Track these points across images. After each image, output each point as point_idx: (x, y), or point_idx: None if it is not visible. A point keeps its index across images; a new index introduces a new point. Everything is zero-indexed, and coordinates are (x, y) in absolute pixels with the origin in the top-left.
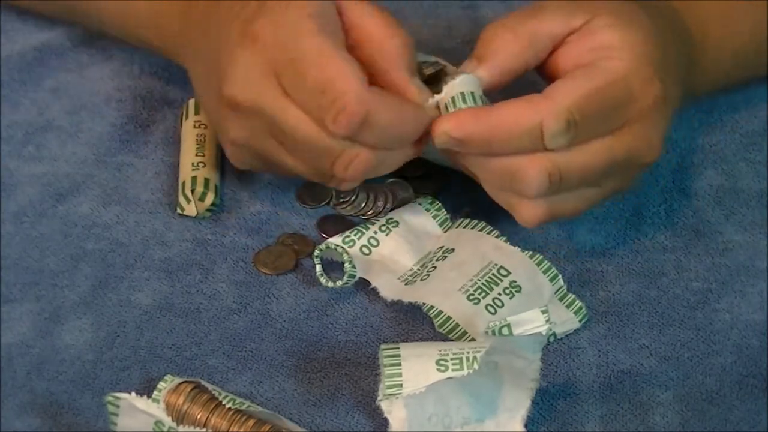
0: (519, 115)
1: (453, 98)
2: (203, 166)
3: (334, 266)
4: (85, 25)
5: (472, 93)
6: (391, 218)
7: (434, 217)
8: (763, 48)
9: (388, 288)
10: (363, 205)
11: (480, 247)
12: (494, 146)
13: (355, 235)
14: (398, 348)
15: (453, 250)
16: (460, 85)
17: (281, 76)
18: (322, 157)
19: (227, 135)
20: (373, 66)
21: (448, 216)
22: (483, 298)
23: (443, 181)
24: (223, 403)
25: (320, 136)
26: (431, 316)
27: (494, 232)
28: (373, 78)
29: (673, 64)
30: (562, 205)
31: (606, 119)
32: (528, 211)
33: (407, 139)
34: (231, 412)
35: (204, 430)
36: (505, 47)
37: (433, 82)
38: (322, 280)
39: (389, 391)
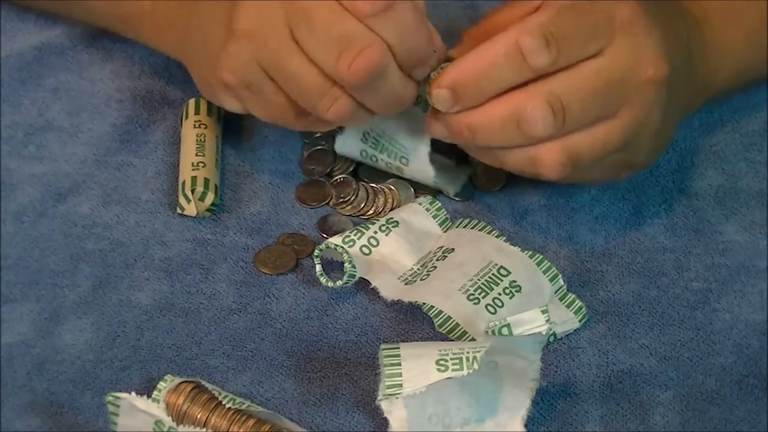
0: (495, 42)
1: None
2: (203, 166)
3: (334, 266)
4: (81, 18)
5: None
6: (391, 218)
7: (434, 217)
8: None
9: (388, 288)
10: (363, 205)
11: (480, 247)
12: (484, 83)
13: (355, 235)
14: (398, 348)
15: (453, 250)
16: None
17: (295, 22)
18: (311, 94)
19: (224, 66)
20: None
21: (448, 216)
22: (483, 298)
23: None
24: (223, 403)
25: (319, 79)
26: (431, 316)
27: (494, 232)
28: None
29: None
30: (578, 144)
31: (587, 38)
32: (548, 157)
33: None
34: (231, 412)
35: (204, 429)
36: (473, 38)
37: None
38: (322, 280)
39: (389, 391)
